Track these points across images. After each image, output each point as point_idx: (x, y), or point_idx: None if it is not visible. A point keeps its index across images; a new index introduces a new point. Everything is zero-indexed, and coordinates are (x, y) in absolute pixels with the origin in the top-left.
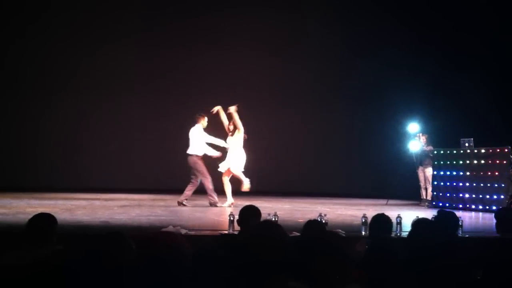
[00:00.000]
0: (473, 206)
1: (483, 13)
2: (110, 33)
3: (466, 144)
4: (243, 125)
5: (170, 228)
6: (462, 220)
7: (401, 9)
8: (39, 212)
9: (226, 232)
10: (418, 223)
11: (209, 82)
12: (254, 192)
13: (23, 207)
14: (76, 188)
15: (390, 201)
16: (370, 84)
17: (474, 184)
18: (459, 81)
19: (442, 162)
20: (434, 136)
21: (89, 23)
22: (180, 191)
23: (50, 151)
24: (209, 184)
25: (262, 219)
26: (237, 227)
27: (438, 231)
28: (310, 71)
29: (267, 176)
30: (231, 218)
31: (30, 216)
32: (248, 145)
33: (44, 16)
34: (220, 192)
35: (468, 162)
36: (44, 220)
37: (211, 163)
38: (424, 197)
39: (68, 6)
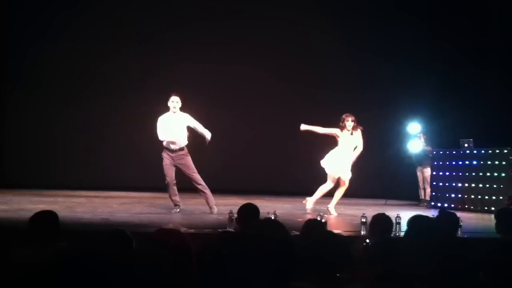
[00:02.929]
0: (472, 207)
1: (488, 16)
2: (118, 33)
3: (466, 145)
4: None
5: (170, 226)
6: (461, 221)
7: (406, 10)
8: (40, 209)
9: (226, 230)
10: (415, 221)
11: (214, 83)
12: (255, 191)
13: (24, 204)
14: (75, 186)
15: (389, 201)
16: (372, 84)
17: (474, 185)
18: (460, 83)
19: (441, 163)
20: (435, 136)
21: (107, 24)
22: (178, 190)
23: (49, 149)
24: None
25: (261, 217)
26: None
27: (438, 230)
28: (310, 71)
29: (267, 175)
30: (230, 217)
31: (31, 213)
32: (250, 144)
33: (63, 18)
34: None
35: (467, 162)
36: (47, 217)
37: None
38: (423, 198)
39: (94, 6)
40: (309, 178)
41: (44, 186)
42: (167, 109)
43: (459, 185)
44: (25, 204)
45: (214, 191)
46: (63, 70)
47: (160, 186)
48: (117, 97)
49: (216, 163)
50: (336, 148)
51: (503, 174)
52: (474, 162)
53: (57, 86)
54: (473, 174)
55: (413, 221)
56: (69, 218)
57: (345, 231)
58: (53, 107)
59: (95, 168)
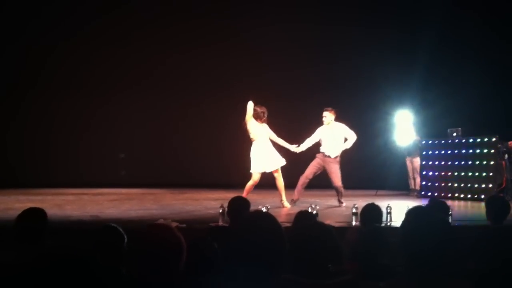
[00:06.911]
0: (462, 195)
1: (477, 7)
2: (110, 32)
3: (454, 134)
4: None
5: (161, 221)
6: (451, 209)
7: (390, 2)
8: (28, 207)
9: (217, 224)
10: (412, 212)
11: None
12: (244, 185)
13: (11, 203)
14: (63, 183)
15: (380, 192)
16: (359, 75)
17: (463, 174)
18: (449, 73)
19: (430, 152)
20: (422, 126)
21: (90, 23)
22: (167, 185)
23: (35, 147)
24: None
25: (252, 210)
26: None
27: (433, 219)
28: (298, 63)
29: None
30: (221, 211)
31: (19, 212)
32: (240, 138)
33: (49, 16)
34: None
35: (456, 151)
36: (35, 215)
37: None
38: (413, 187)
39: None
40: (300, 170)
41: (29, 184)
42: (158, 108)
43: (449, 174)
44: (13, 204)
45: (205, 185)
46: (47, 67)
47: (151, 182)
48: (107, 95)
49: (206, 157)
50: None
51: (491, 162)
52: (463, 151)
53: (43, 84)
54: (462, 162)
55: (412, 212)
56: (57, 216)
57: (336, 222)
58: (36, 104)
59: (83, 166)
